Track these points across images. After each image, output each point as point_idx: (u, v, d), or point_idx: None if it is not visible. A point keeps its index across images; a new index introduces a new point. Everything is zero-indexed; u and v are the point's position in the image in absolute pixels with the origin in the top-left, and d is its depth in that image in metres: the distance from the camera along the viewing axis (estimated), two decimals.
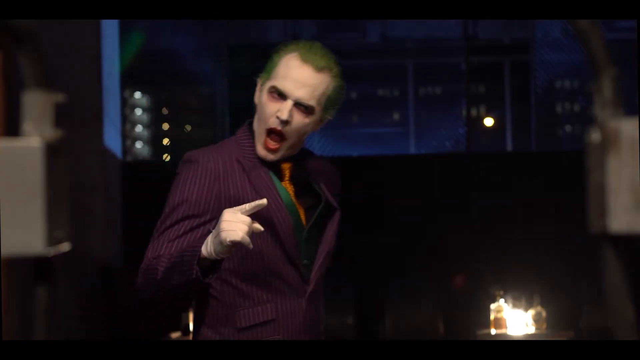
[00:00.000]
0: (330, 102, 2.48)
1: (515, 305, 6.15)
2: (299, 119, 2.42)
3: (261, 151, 2.44)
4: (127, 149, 9.83)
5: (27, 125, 0.94)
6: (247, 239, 2.18)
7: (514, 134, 10.05)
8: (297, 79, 2.41)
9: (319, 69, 2.43)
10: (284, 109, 2.40)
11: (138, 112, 10.38)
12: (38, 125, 0.94)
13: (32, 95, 0.94)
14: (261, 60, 2.50)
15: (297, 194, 2.51)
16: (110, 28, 7.01)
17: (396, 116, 10.43)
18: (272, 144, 2.43)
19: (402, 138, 10.10)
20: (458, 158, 8.41)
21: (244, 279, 2.42)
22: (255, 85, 2.49)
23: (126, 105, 10.03)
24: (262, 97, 2.45)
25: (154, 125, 10.42)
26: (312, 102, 2.43)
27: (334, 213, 2.56)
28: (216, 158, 2.44)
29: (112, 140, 6.96)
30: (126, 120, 9.92)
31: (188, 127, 10.61)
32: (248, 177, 2.44)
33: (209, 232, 2.28)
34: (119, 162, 7.28)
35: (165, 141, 10.50)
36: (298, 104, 2.42)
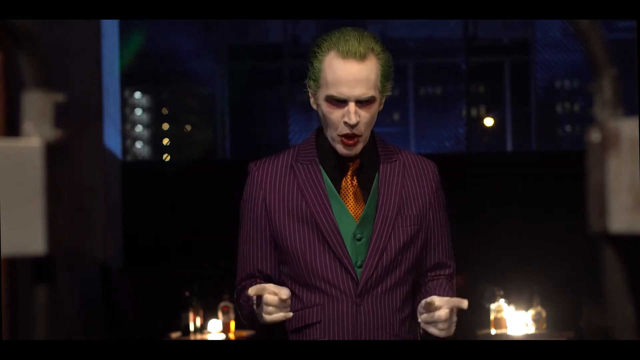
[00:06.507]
0: (384, 79, 2.40)
1: (515, 306, 6.15)
2: (365, 114, 2.38)
3: (342, 151, 2.42)
4: (127, 149, 9.83)
5: (27, 125, 0.93)
6: (289, 315, 2.34)
7: (514, 134, 10.04)
8: (348, 79, 2.35)
9: (362, 58, 2.35)
10: (350, 113, 2.36)
11: (138, 112, 10.39)
12: (38, 125, 0.93)
13: (32, 95, 0.94)
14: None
15: (363, 191, 2.45)
16: (110, 28, 7.01)
17: (396, 116, 10.43)
18: (350, 142, 2.40)
19: (402, 138, 10.09)
20: (458, 158, 8.41)
21: (296, 281, 2.43)
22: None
23: (126, 105, 10.03)
24: (322, 106, 2.39)
25: (154, 125, 10.43)
26: (371, 93, 2.37)
27: (382, 210, 2.44)
28: (266, 166, 2.48)
29: (112, 140, 6.96)
30: (126, 120, 9.92)
31: (188, 127, 10.61)
32: (297, 181, 2.44)
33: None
34: (119, 162, 7.28)
35: (165, 141, 10.51)
36: (359, 102, 2.36)
